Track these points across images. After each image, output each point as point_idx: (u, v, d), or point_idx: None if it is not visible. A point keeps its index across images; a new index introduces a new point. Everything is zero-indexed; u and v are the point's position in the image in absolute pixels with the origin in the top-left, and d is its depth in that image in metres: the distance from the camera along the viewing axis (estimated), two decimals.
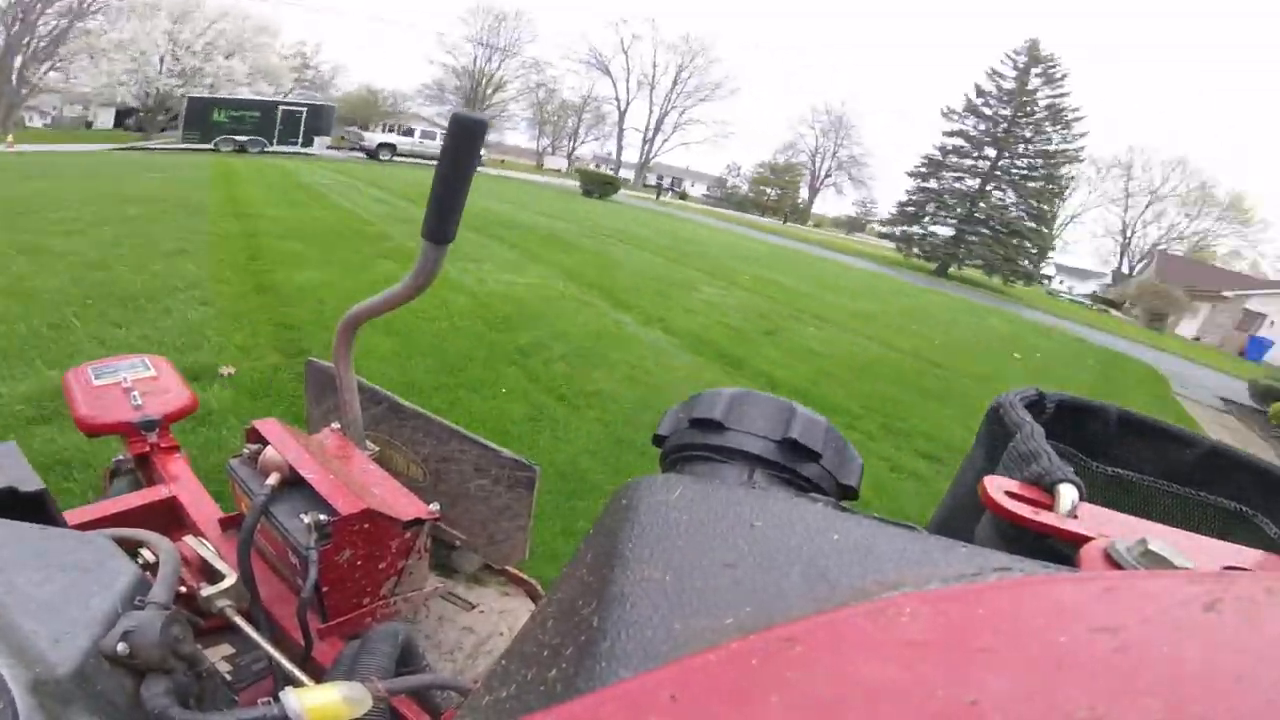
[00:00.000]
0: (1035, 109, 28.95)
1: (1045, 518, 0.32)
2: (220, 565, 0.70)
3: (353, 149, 25.83)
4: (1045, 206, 29.32)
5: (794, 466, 0.42)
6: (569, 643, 0.20)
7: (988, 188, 29.48)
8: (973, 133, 29.91)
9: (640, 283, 7.87)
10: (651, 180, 52.77)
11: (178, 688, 0.42)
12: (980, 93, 29.74)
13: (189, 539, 0.74)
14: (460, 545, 1.09)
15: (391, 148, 25.44)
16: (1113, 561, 0.27)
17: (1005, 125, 29.11)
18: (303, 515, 0.72)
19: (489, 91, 46.57)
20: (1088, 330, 18.30)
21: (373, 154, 24.24)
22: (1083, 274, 53.66)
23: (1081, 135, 28.93)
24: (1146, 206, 47.72)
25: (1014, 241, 28.31)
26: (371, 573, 0.80)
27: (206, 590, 0.65)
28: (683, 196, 50.52)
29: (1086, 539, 0.30)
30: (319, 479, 0.76)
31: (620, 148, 54.08)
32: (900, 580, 0.21)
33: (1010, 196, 29.28)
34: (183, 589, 0.65)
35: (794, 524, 0.24)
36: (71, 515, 0.79)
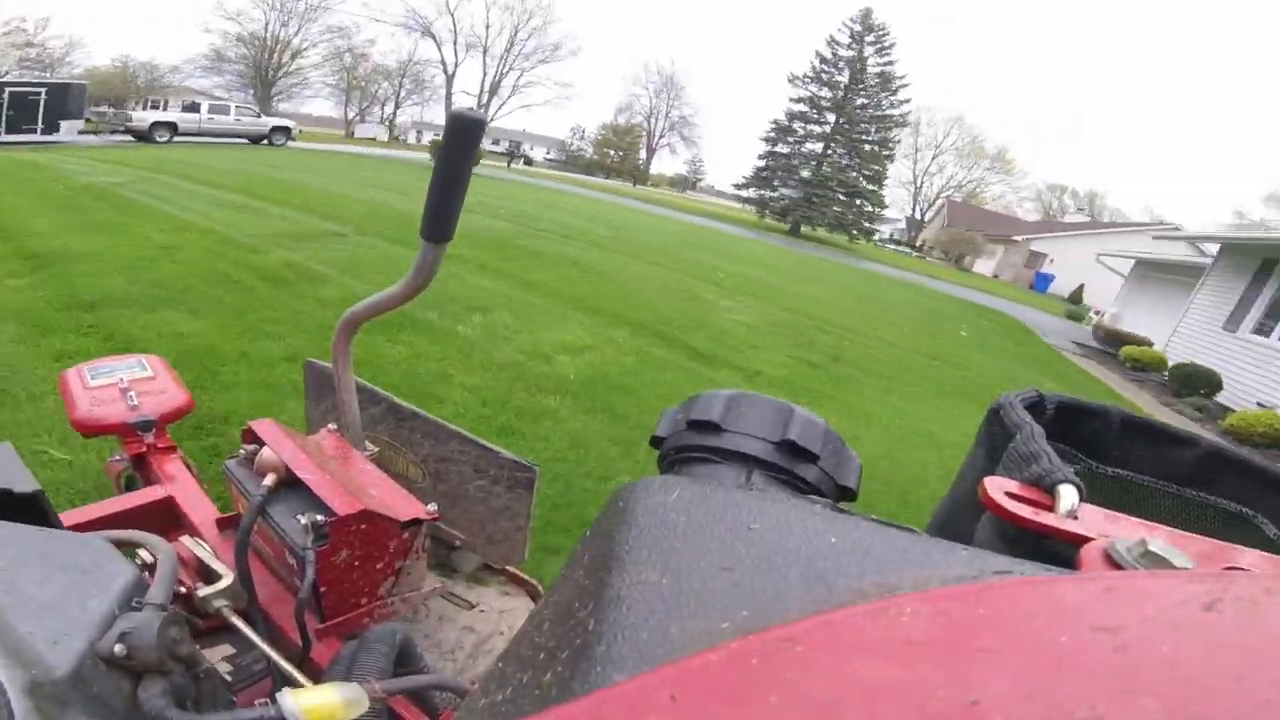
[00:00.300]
0: (868, 76, 32.38)
1: (1045, 518, 0.32)
2: (217, 566, 0.70)
3: (115, 131, 21.21)
4: (878, 168, 32.83)
5: (792, 468, 0.42)
6: (565, 646, 0.20)
7: (830, 151, 32.76)
8: (817, 98, 33.18)
9: (666, 308, 6.76)
10: (492, 146, 50.47)
11: (175, 689, 0.42)
12: (821, 59, 32.95)
13: (186, 539, 0.74)
14: (460, 545, 1.09)
15: (171, 127, 20.57)
16: (1113, 562, 0.27)
17: (843, 91, 32.54)
18: (300, 516, 0.71)
19: (285, 59, 41.87)
20: (928, 280, 21.30)
21: (144, 135, 19.78)
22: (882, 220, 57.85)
23: (906, 101, 32.79)
24: (932, 159, 54.85)
25: (855, 202, 32.11)
26: (369, 573, 0.80)
27: (204, 591, 0.65)
28: (528, 162, 47.25)
29: (1087, 539, 0.30)
30: (316, 479, 0.76)
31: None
32: (899, 582, 0.21)
33: (849, 159, 32.68)
34: (180, 589, 0.65)
35: (792, 526, 0.24)
36: (68, 516, 0.79)
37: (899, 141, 35.42)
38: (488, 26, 51.43)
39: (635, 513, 0.25)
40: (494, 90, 50.62)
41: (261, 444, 0.82)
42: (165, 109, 24.95)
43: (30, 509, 0.56)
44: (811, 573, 0.21)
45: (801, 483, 0.42)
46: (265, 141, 24.06)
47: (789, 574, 0.21)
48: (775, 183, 33.43)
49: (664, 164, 63.98)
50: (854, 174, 32.00)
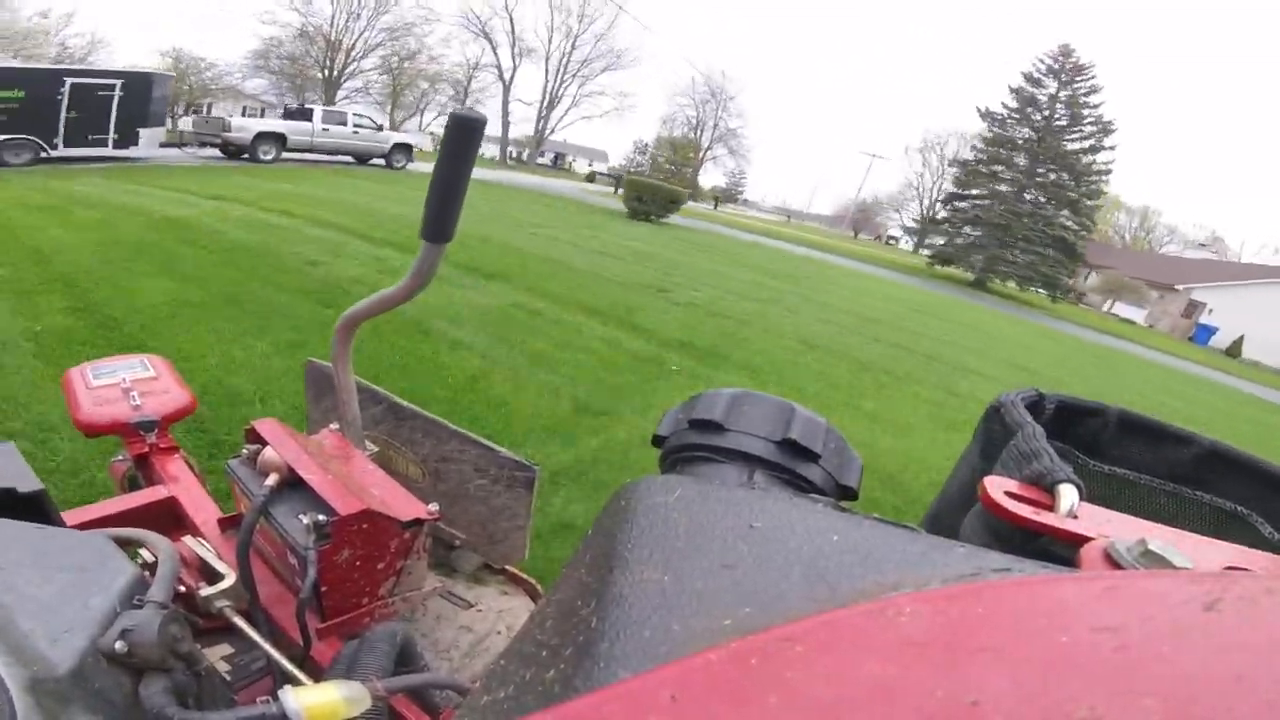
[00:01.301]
0: (1067, 118, 28.08)
1: (1046, 518, 0.32)
2: (219, 565, 0.70)
3: (205, 144, 15.37)
4: (1085, 220, 27.87)
5: (793, 467, 0.42)
6: (568, 643, 0.20)
7: (1026, 195, 27.82)
8: (1009, 138, 28.64)
9: None
10: (548, 160, 48.14)
11: (176, 687, 0.42)
12: (1014, 95, 28.58)
13: (188, 539, 0.74)
14: (460, 544, 1.09)
15: (279, 141, 15.30)
16: (1113, 561, 0.27)
17: (1039, 133, 28.02)
18: (302, 515, 0.72)
19: (350, 57, 36.62)
20: (1154, 353, 16.67)
21: (242, 151, 14.76)
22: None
23: (1113, 148, 27.72)
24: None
25: (1051, 253, 26.68)
26: (370, 573, 0.80)
27: (206, 590, 0.65)
28: (590, 179, 42.59)
29: (1087, 539, 0.30)
30: (318, 479, 0.76)
31: (507, 123, 45.96)
32: (900, 581, 0.21)
33: (1048, 205, 27.70)
34: (182, 589, 0.65)
35: (793, 525, 0.24)
36: (70, 516, 0.79)
37: (1104, 190, 29.57)
38: (552, 31, 45.62)
39: (637, 511, 0.25)
40: (552, 100, 46.65)
41: (264, 444, 0.82)
42: (258, 116, 19.52)
43: (32, 508, 0.56)
44: (813, 572, 0.21)
45: (803, 482, 0.42)
46: (384, 163, 18.20)
47: (791, 573, 0.21)
48: (964, 228, 28.62)
49: (705, 177, 60.76)
50: (1051, 220, 26.84)
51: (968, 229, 28.65)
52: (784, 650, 0.17)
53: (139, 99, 12.09)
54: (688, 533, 0.24)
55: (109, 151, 11.66)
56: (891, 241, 61.91)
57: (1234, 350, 26.14)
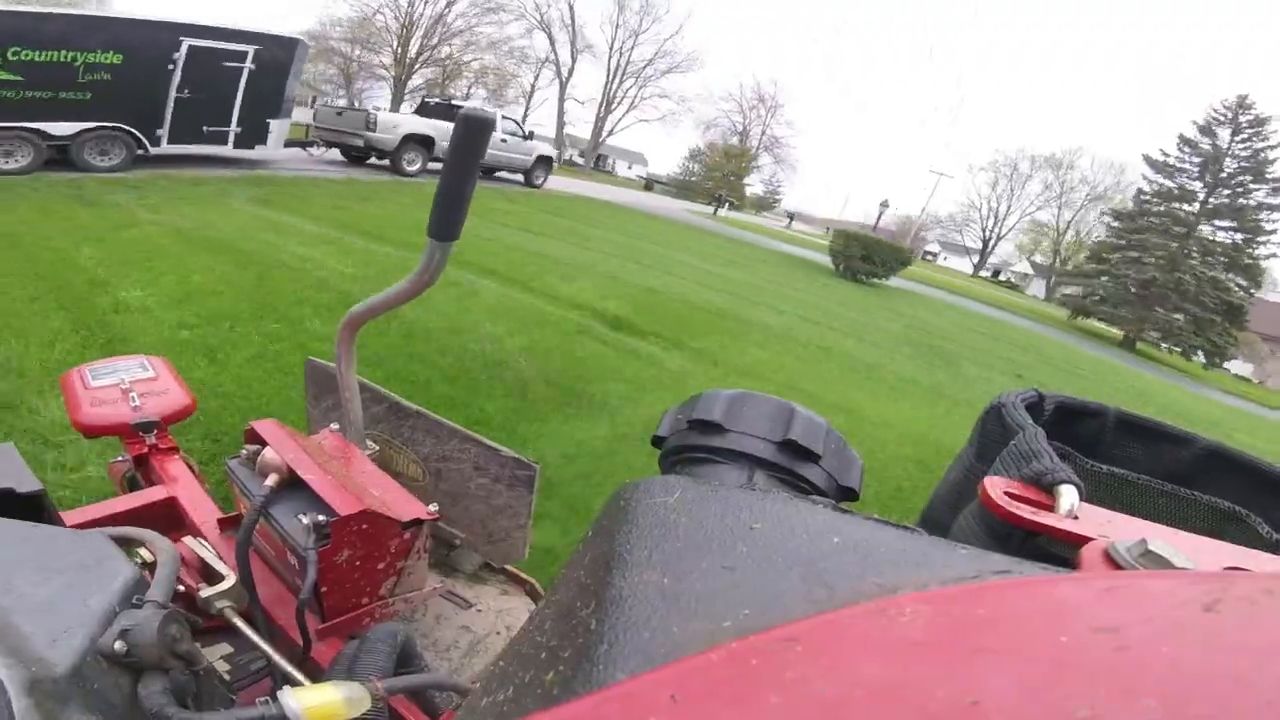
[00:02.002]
0: (1249, 172, 25.09)
1: (1046, 518, 0.32)
2: (219, 566, 0.70)
3: (331, 145, 11.55)
4: (1254, 280, 24.48)
5: (794, 468, 0.42)
6: (567, 645, 0.20)
7: (1189, 252, 24.27)
8: (1176, 189, 25.54)
9: None
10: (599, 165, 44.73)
11: (175, 686, 0.42)
12: (1185, 143, 25.81)
13: (188, 539, 0.74)
14: (460, 544, 1.09)
15: (427, 147, 11.47)
16: (1113, 562, 0.27)
17: (1209, 185, 25.19)
18: (301, 516, 0.72)
19: (422, 43, 32.08)
20: None
21: (370, 157, 11.42)
22: None
23: None
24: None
25: (1216, 318, 23.18)
26: (370, 573, 0.80)
27: (206, 590, 0.65)
28: (732, 206, 36.08)
29: (1087, 539, 0.30)
30: (317, 480, 0.76)
31: (562, 123, 42.10)
32: (900, 582, 0.21)
33: (1219, 267, 24.10)
34: (182, 589, 0.65)
35: (794, 526, 0.24)
36: (69, 516, 0.79)
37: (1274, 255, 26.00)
38: (617, 28, 41.42)
39: (637, 512, 0.25)
40: (609, 100, 42.92)
41: (263, 444, 0.82)
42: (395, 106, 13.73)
43: (32, 508, 0.56)
44: (813, 573, 0.21)
45: (804, 483, 0.42)
46: (523, 179, 14.36)
47: (790, 574, 0.21)
48: (1117, 279, 24.67)
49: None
50: (1218, 281, 23.21)
51: (1106, 279, 25.25)
52: (785, 651, 0.17)
53: (275, 75, 8.30)
54: (687, 534, 0.24)
55: (229, 151, 8.29)
56: (929, 258, 59.20)
57: None
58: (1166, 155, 26.15)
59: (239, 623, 0.63)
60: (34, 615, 0.38)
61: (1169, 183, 25.81)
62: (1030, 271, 54.85)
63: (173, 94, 7.63)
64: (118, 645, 0.39)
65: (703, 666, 0.17)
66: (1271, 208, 24.38)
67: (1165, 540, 0.27)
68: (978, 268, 53.53)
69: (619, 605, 0.20)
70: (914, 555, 0.22)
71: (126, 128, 7.36)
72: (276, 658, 0.59)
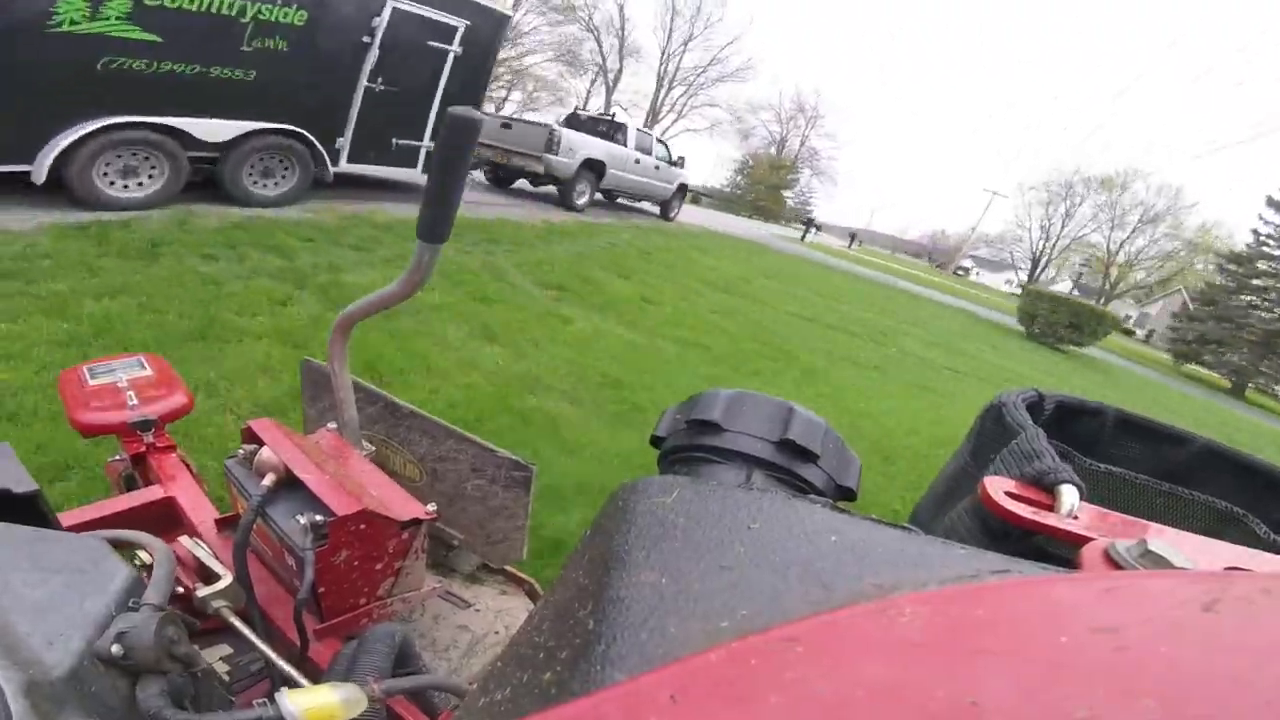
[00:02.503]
0: None
1: (1046, 518, 0.32)
2: (216, 566, 0.70)
3: (494, 167, 9.67)
4: None
5: (792, 468, 0.42)
6: (565, 645, 0.20)
7: None
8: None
9: None
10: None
11: (173, 689, 0.42)
12: None
13: (185, 540, 0.74)
14: (458, 544, 1.09)
15: (598, 174, 9.75)
16: (1113, 562, 0.27)
17: None
18: (299, 516, 0.71)
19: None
20: None
21: (538, 183, 9.73)
22: None
23: None
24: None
25: None
26: (368, 573, 0.79)
27: (203, 591, 0.65)
28: (818, 229, 33.87)
29: (1087, 539, 0.30)
30: (315, 480, 0.76)
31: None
32: (899, 582, 0.21)
33: None
34: (179, 590, 0.65)
35: (792, 526, 0.24)
36: (66, 517, 0.78)
37: None
38: (671, 32, 39.08)
39: (635, 512, 0.25)
40: (655, 111, 40.75)
41: (261, 444, 0.82)
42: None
43: (28, 509, 0.56)
44: (811, 573, 0.21)
45: (802, 482, 0.42)
46: (659, 211, 12.61)
47: (788, 574, 0.21)
48: (1230, 325, 23.48)
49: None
50: None
51: (1216, 323, 24.08)
52: (784, 651, 0.17)
53: (478, 65, 6.11)
54: (685, 534, 0.24)
55: (417, 175, 6.00)
56: (961, 273, 59.58)
57: None
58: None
59: (236, 623, 0.63)
60: (31, 618, 0.38)
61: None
62: (1075, 290, 53.18)
63: (363, 83, 5.02)
64: (115, 648, 0.39)
65: (702, 667, 0.17)
66: None
67: (1165, 540, 0.27)
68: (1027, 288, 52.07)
69: (617, 605, 0.20)
70: (912, 555, 0.22)
71: (306, 134, 4.82)
72: (274, 658, 0.59)
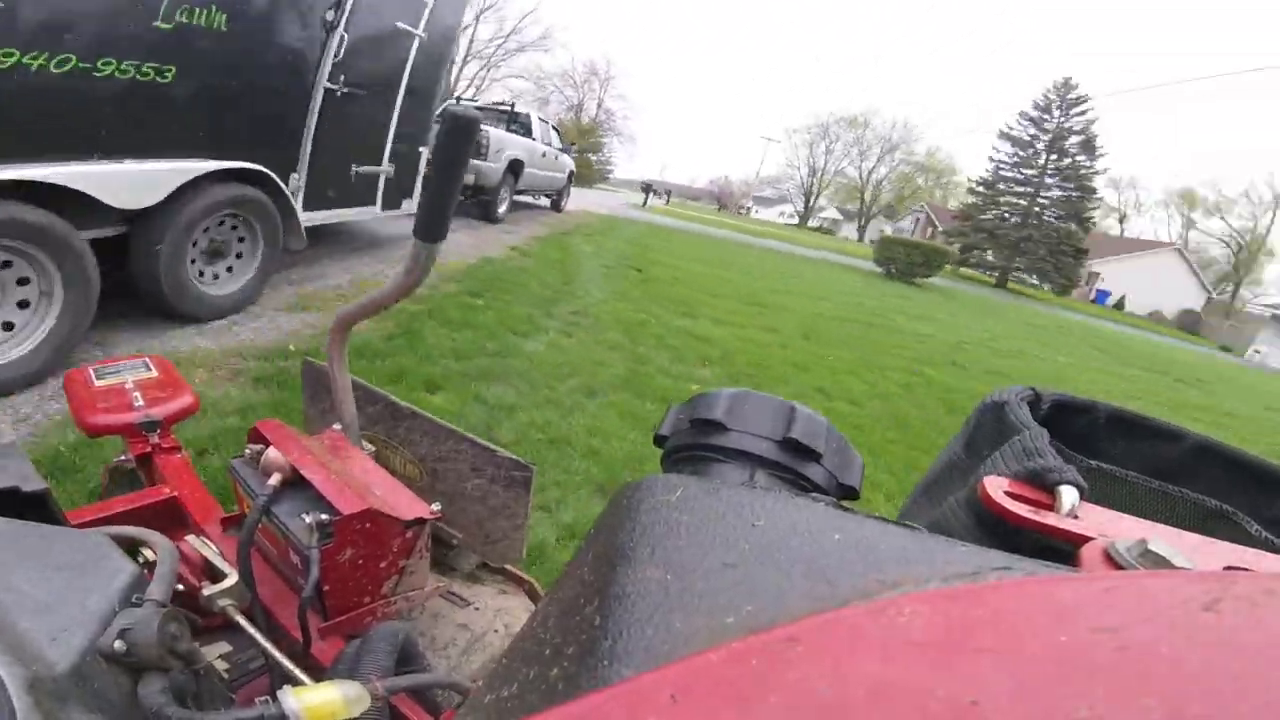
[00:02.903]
0: (1067, 141, 32.36)
1: (1046, 517, 0.32)
2: (221, 564, 0.70)
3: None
4: (1087, 225, 32.07)
5: (795, 466, 0.42)
6: (570, 641, 0.20)
7: (1035, 206, 31.69)
8: (1022, 152, 32.80)
9: None
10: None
11: (175, 686, 0.42)
12: (1024, 118, 33.39)
13: (190, 538, 0.74)
14: (458, 544, 1.09)
15: (516, 175, 8.66)
16: (1113, 561, 0.27)
17: (1047, 154, 32.23)
18: (304, 515, 0.72)
19: None
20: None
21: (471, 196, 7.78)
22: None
23: (1104, 155, 32.18)
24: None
25: (1069, 259, 30.49)
26: (373, 572, 0.80)
27: (208, 590, 0.65)
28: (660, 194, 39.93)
29: (1087, 539, 0.30)
30: (320, 479, 0.77)
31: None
32: (901, 580, 0.21)
33: (1052, 214, 31.86)
34: (183, 588, 0.65)
35: (795, 524, 0.24)
36: (73, 515, 0.79)
37: (1098, 202, 35.17)
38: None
39: (639, 510, 0.25)
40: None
41: (266, 444, 0.82)
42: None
43: (37, 507, 0.56)
44: (815, 570, 0.21)
45: (805, 481, 0.42)
46: (550, 204, 11.91)
47: (792, 571, 0.21)
48: (984, 234, 32.39)
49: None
50: (1060, 229, 31.15)
51: (975, 234, 32.32)
52: (785, 650, 0.17)
53: (441, 54, 4.66)
54: (689, 531, 0.24)
55: (375, 213, 4.47)
56: (743, 212, 67.61)
57: (1119, 306, 36.92)
58: (1011, 128, 33.58)
59: (241, 621, 0.63)
60: (34, 614, 0.38)
61: (1021, 151, 33.27)
62: (839, 218, 65.25)
63: (322, 84, 3.34)
64: (117, 644, 0.39)
65: (702, 666, 0.17)
66: (1090, 172, 32.04)
67: (1165, 540, 0.27)
68: (803, 219, 62.69)
69: (622, 602, 0.20)
70: (914, 552, 0.22)
71: (268, 173, 3.07)
72: (278, 656, 0.59)
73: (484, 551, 1.06)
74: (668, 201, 44.34)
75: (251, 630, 0.62)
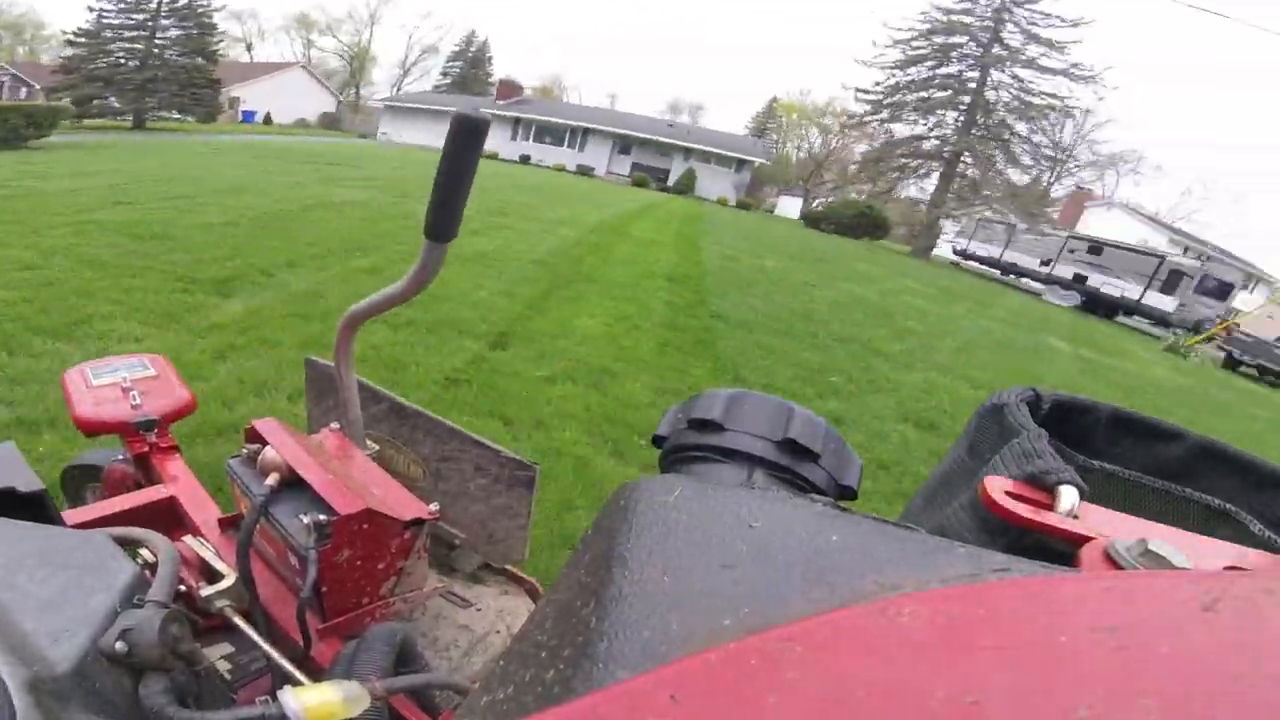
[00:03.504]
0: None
1: (1046, 517, 0.32)
2: (219, 565, 0.70)
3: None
4: (210, 60, 32.26)
5: (793, 467, 0.42)
6: (567, 643, 0.20)
7: (157, 44, 31.10)
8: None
9: None
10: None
11: (176, 686, 0.42)
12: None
13: (189, 539, 0.74)
14: (460, 544, 1.09)
15: None
16: (1113, 561, 0.27)
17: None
18: (302, 515, 0.72)
19: None
20: None
21: None
22: None
23: None
24: None
25: (206, 93, 31.58)
26: (371, 572, 0.80)
27: (206, 590, 0.65)
28: None
29: (1087, 539, 0.30)
30: (318, 479, 0.76)
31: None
32: (899, 581, 0.21)
33: (183, 59, 31.54)
34: (182, 589, 0.65)
35: (793, 525, 0.24)
36: (70, 516, 0.79)
37: (222, 36, 33.97)
38: None
39: (637, 511, 0.25)
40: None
41: (264, 443, 0.82)
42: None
43: (33, 508, 0.56)
44: (812, 571, 0.21)
45: (803, 481, 0.42)
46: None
47: (790, 572, 0.21)
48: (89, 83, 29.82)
49: None
50: (185, 67, 30.88)
51: (86, 84, 30.00)
52: (784, 651, 0.17)
53: None
54: (687, 532, 0.24)
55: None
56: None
57: (268, 121, 37.53)
58: None
59: (239, 622, 0.63)
60: (36, 614, 0.38)
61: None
62: None
63: None
64: (119, 645, 0.39)
65: (701, 667, 0.17)
66: (212, 9, 31.29)
67: (1165, 540, 0.27)
68: None
69: (619, 603, 0.20)
70: (913, 553, 0.22)
71: None
72: (277, 657, 0.59)
73: (486, 551, 1.06)
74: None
75: (249, 630, 0.62)
